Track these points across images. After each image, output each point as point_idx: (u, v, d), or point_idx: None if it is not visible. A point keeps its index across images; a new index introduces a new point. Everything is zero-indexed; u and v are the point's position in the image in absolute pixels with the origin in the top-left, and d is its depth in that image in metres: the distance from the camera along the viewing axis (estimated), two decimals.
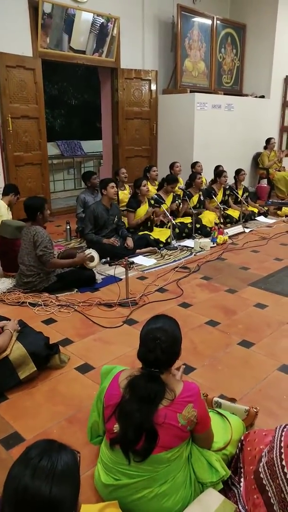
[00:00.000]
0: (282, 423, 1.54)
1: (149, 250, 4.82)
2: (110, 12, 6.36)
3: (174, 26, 7.23)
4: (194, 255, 4.83)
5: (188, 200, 5.66)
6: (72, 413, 2.21)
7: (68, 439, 1.95)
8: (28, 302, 3.49)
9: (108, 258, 4.13)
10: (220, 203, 6.04)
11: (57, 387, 2.43)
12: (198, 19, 7.44)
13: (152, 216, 5.29)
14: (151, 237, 4.99)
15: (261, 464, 1.47)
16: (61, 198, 8.45)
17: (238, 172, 6.53)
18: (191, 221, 5.45)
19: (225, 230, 5.51)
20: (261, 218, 6.49)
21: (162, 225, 5.52)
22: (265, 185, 7.88)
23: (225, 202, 6.39)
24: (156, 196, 5.39)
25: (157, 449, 1.47)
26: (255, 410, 1.95)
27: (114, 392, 1.59)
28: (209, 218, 5.71)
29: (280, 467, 1.37)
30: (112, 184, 4.66)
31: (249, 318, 3.30)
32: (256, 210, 6.57)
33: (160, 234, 5.18)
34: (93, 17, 6.14)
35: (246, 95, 8.52)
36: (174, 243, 5.08)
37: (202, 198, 5.99)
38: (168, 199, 5.54)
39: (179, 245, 5.07)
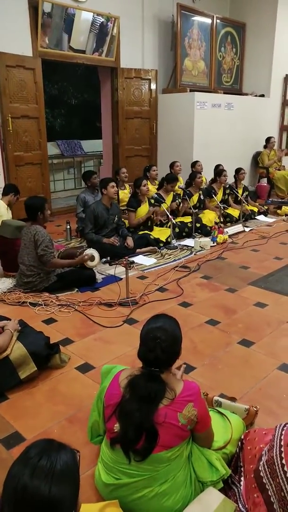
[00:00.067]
0: (282, 422, 1.54)
1: (149, 250, 4.82)
2: (110, 12, 6.36)
3: (174, 25, 7.23)
4: (194, 254, 4.83)
5: (188, 199, 5.66)
6: (73, 412, 2.21)
7: (68, 439, 1.96)
8: (29, 302, 3.50)
9: (108, 258, 4.13)
10: (220, 202, 6.04)
11: (58, 387, 2.44)
12: (197, 18, 7.43)
13: (152, 216, 5.29)
14: (151, 236, 4.99)
15: (261, 463, 1.48)
16: (61, 197, 8.45)
17: (238, 171, 6.53)
18: (191, 220, 5.45)
19: (225, 229, 5.52)
20: (261, 217, 6.49)
21: (162, 224, 5.52)
22: (265, 184, 7.88)
23: (225, 201, 6.39)
24: (156, 195, 5.39)
25: (158, 448, 1.48)
26: (255, 409, 1.95)
27: (115, 391, 1.59)
28: (209, 217, 5.71)
29: (280, 465, 1.37)
30: (112, 183, 4.66)
31: (249, 317, 3.31)
32: (256, 209, 6.57)
33: (160, 233, 5.18)
34: (93, 16, 6.14)
35: (246, 94, 8.52)
36: (174, 242, 5.08)
37: (202, 197, 5.99)
38: (168, 198, 5.54)
39: (179, 245, 5.07)
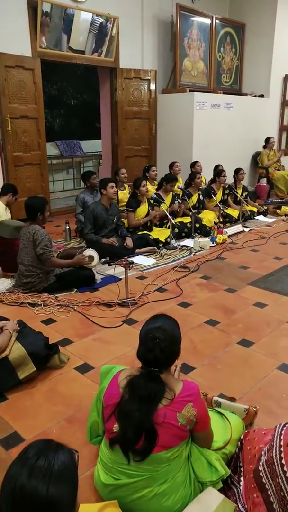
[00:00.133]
0: (282, 421, 1.54)
1: (148, 250, 4.82)
2: (109, 12, 6.36)
3: (173, 26, 7.23)
4: (194, 254, 4.83)
5: (187, 199, 5.66)
6: (72, 413, 2.21)
7: (67, 439, 1.96)
8: (28, 302, 3.49)
9: (108, 258, 4.13)
10: (219, 202, 6.04)
11: (57, 387, 2.43)
12: (197, 19, 7.44)
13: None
14: (150, 236, 4.99)
15: (260, 463, 1.47)
16: (60, 198, 8.44)
17: (238, 171, 6.53)
18: (190, 220, 5.45)
19: (225, 230, 5.51)
20: (260, 217, 6.49)
21: (161, 224, 5.52)
22: (265, 184, 7.88)
23: (224, 201, 6.39)
24: (155, 196, 5.39)
25: (157, 448, 1.47)
26: (254, 409, 1.95)
27: (114, 391, 1.59)
28: (208, 217, 5.71)
29: (279, 465, 1.37)
30: (112, 184, 4.66)
31: (249, 317, 3.30)
32: (255, 209, 6.57)
33: (160, 233, 5.18)
34: (92, 17, 6.14)
35: (245, 94, 8.52)
36: (174, 242, 5.08)
37: (201, 197, 5.99)
38: (168, 199, 5.54)
39: (179, 245, 5.07)
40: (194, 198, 5.88)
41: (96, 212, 4.62)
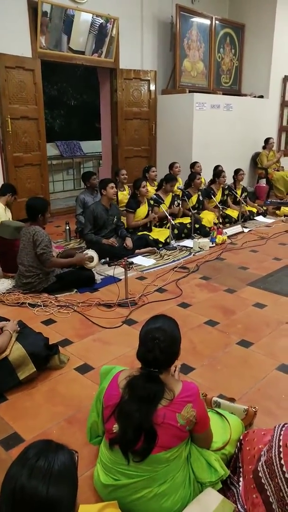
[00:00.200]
0: (281, 422, 1.54)
1: (148, 250, 4.83)
2: (109, 13, 6.37)
3: (173, 26, 7.24)
4: (193, 255, 4.83)
5: (187, 200, 5.67)
6: (72, 413, 2.21)
7: (67, 440, 1.96)
8: (28, 303, 3.50)
9: (107, 259, 4.13)
10: (219, 203, 6.04)
11: (57, 388, 2.44)
12: (196, 19, 7.44)
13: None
14: (150, 237, 5.00)
15: (260, 463, 1.48)
16: (60, 198, 8.45)
17: (237, 172, 6.53)
18: (190, 221, 5.46)
19: (224, 230, 5.52)
20: (260, 218, 6.50)
21: (161, 225, 5.53)
22: (264, 185, 7.89)
23: (224, 202, 6.39)
24: (155, 196, 5.39)
25: (156, 449, 1.48)
26: (254, 409, 1.95)
27: (114, 392, 1.59)
28: (208, 218, 5.71)
29: (279, 466, 1.38)
30: (112, 184, 4.67)
31: (248, 317, 3.31)
32: (255, 210, 6.57)
33: (159, 234, 5.18)
34: (92, 17, 6.15)
35: (245, 95, 8.53)
36: (173, 243, 5.09)
37: (201, 198, 5.99)
38: (167, 199, 5.55)
39: (178, 245, 5.07)
40: (194, 199, 5.88)
41: (96, 213, 4.62)
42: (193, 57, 7.58)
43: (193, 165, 6.50)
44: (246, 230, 5.83)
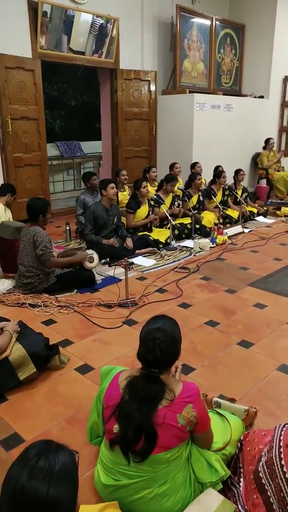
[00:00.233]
0: (282, 422, 1.54)
1: (148, 251, 4.83)
2: (109, 13, 6.37)
3: (173, 27, 7.24)
4: (194, 255, 4.83)
5: (187, 200, 5.67)
6: (72, 413, 2.21)
7: (68, 440, 1.95)
8: (28, 303, 3.50)
9: (108, 259, 4.13)
10: (219, 203, 6.04)
11: (57, 388, 2.44)
12: (197, 20, 7.45)
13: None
14: (150, 237, 5.00)
15: (260, 464, 1.48)
16: (60, 199, 8.45)
17: (237, 172, 6.53)
18: (190, 221, 5.46)
19: (225, 230, 5.52)
20: (260, 218, 6.50)
21: (161, 225, 5.53)
22: (264, 185, 7.88)
23: (224, 202, 6.40)
24: (155, 197, 5.39)
25: (157, 449, 1.48)
26: (254, 410, 1.95)
27: (114, 392, 1.59)
28: (208, 218, 5.71)
29: (279, 466, 1.37)
30: (112, 184, 4.67)
31: (249, 318, 3.31)
32: (255, 210, 6.57)
33: (160, 234, 5.18)
34: (93, 18, 6.15)
35: (245, 96, 8.53)
36: (174, 243, 5.09)
37: (201, 198, 5.99)
38: (168, 200, 5.55)
39: (179, 246, 5.07)
40: (194, 199, 5.88)
41: (96, 213, 4.62)
42: (194, 58, 7.58)
43: (193, 165, 6.50)
44: (246, 230, 5.83)
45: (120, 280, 3.86)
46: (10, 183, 5.33)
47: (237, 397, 2.26)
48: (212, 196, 6.03)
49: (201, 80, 7.85)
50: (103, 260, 4.25)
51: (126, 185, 6.02)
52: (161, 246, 4.99)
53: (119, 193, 5.50)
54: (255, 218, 6.45)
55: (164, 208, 5.21)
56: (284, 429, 1.47)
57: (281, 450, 1.39)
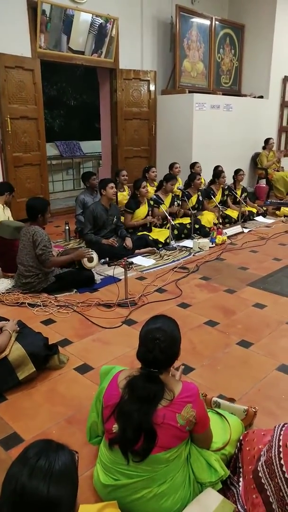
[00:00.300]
0: (281, 422, 1.54)
1: (148, 251, 4.82)
2: (109, 13, 6.37)
3: (173, 27, 7.24)
4: (193, 255, 4.83)
5: (187, 200, 5.67)
6: (71, 413, 2.21)
7: (67, 440, 1.95)
8: (27, 303, 3.49)
9: (107, 259, 4.13)
10: (219, 203, 6.04)
11: (56, 388, 2.43)
12: (196, 20, 7.45)
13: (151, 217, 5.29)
14: (150, 237, 5.00)
15: (259, 464, 1.48)
16: (60, 198, 8.45)
17: (237, 172, 6.53)
18: (190, 221, 5.46)
19: (224, 230, 5.52)
20: (259, 218, 6.50)
21: (161, 225, 5.53)
22: (264, 185, 7.89)
23: (223, 202, 6.40)
24: (155, 197, 5.39)
25: (156, 449, 1.48)
26: (254, 410, 1.95)
27: (113, 392, 1.59)
28: (208, 218, 5.71)
29: (278, 466, 1.37)
30: (112, 184, 4.67)
31: (248, 318, 3.31)
32: (254, 210, 6.57)
33: (159, 234, 5.18)
34: (92, 17, 6.15)
35: (245, 96, 8.53)
36: (173, 243, 5.09)
37: (201, 198, 5.99)
38: (167, 200, 5.55)
39: (178, 246, 5.07)
40: (194, 199, 5.88)
41: (96, 213, 4.62)
42: (193, 58, 7.58)
43: (193, 165, 6.50)
44: (246, 230, 5.83)
45: (120, 280, 3.86)
46: (8, 181, 5.31)
47: (237, 397, 2.26)
48: (212, 196, 6.03)
49: (201, 80, 7.85)
50: (103, 260, 4.25)
51: (126, 185, 6.02)
52: (160, 246, 4.99)
53: (119, 193, 5.50)
54: (255, 218, 6.46)
55: (164, 208, 5.21)
56: (283, 429, 1.47)
57: (281, 450, 1.39)
